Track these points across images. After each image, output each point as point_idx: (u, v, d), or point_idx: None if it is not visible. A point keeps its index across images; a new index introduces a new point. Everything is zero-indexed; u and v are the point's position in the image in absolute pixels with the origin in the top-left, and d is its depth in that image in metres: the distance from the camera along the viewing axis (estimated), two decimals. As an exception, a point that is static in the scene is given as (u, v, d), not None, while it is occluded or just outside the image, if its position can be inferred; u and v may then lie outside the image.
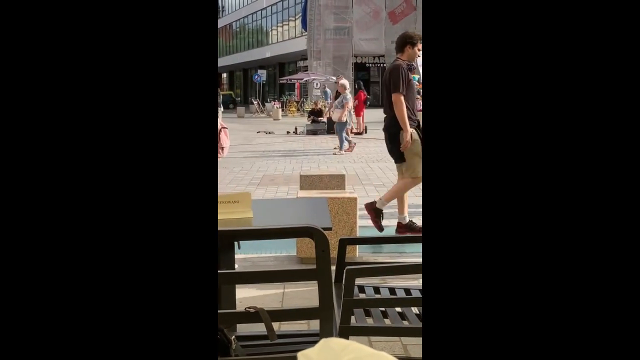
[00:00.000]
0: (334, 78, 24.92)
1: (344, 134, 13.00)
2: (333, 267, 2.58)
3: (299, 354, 0.60)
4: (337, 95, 13.96)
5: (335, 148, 13.07)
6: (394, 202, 5.20)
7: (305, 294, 3.44)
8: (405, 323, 2.29)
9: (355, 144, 13.19)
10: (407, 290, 2.53)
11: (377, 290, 2.52)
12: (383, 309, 2.36)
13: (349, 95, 13.07)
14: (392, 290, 2.51)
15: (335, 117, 12.92)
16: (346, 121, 12.82)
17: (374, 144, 14.85)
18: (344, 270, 2.17)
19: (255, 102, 33.80)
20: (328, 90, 21.82)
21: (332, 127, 18.62)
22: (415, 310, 2.36)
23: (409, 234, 5.05)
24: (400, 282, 3.72)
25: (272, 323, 1.89)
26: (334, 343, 0.61)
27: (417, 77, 22.52)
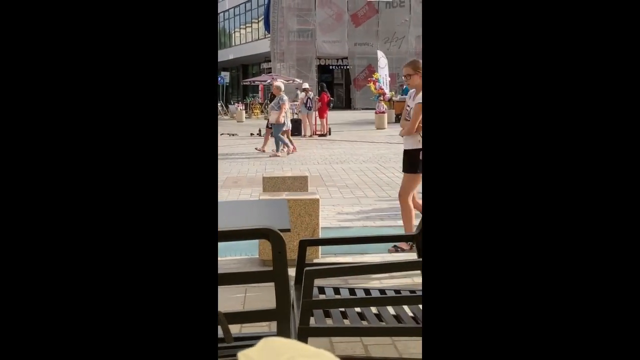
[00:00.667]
0: (298, 80, 24.94)
1: (284, 136, 12.99)
2: (294, 269, 2.58)
3: (239, 354, 0.60)
4: (272, 97, 13.81)
5: (256, 149, 13.05)
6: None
7: (268, 296, 3.42)
8: (365, 323, 2.29)
9: (295, 147, 13.21)
10: (367, 291, 2.53)
11: (337, 291, 2.52)
12: (343, 309, 2.36)
13: (284, 96, 12.97)
14: (351, 291, 2.51)
15: (272, 119, 12.77)
16: (284, 123, 12.73)
17: (338, 146, 14.89)
18: (303, 271, 2.16)
19: (218, 105, 33.61)
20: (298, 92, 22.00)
21: (296, 129, 18.63)
22: (374, 310, 2.37)
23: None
24: (363, 282, 3.74)
25: (232, 326, 1.88)
26: (274, 342, 0.60)
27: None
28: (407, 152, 4.78)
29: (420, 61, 4.88)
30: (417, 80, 4.72)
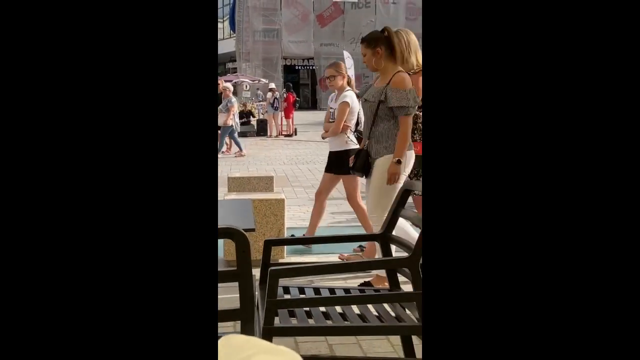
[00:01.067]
0: (264, 80, 24.85)
1: (236, 136, 12.99)
2: (259, 269, 2.57)
3: (199, 353, 0.60)
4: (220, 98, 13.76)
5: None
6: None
7: (233, 296, 3.40)
8: (330, 322, 2.30)
9: (229, 149, 13.21)
10: (332, 290, 2.54)
11: (302, 290, 2.52)
12: (307, 309, 2.36)
13: (233, 98, 12.92)
14: (316, 291, 2.52)
15: (220, 121, 12.69)
16: (232, 125, 12.70)
17: (304, 146, 14.90)
18: (268, 271, 2.16)
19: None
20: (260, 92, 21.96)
21: (262, 129, 18.57)
22: (339, 309, 2.38)
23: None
24: (328, 282, 3.75)
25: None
26: (234, 339, 0.60)
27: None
28: (333, 154, 4.78)
29: (342, 63, 4.98)
30: (340, 81, 4.79)
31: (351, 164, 3.78)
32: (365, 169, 3.67)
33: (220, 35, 39.90)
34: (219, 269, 3.89)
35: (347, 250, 4.80)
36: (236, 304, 1.92)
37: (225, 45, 36.95)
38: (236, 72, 32.58)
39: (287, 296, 2.47)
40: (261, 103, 20.73)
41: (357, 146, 4.43)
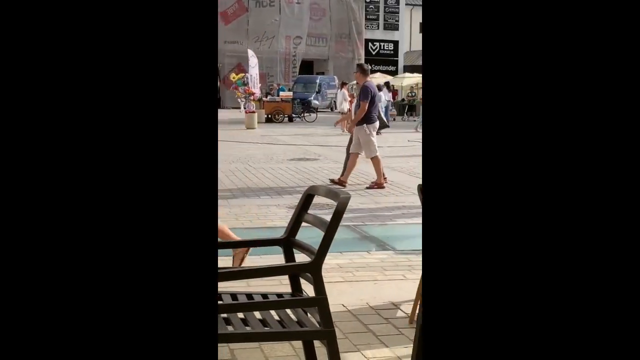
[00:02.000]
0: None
1: None
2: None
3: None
4: None
5: None
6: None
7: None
8: (231, 329, 2.28)
9: None
10: (234, 295, 2.52)
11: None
12: (242, 315, 2.34)
13: None
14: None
15: None
16: None
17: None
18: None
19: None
20: None
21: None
22: (240, 315, 2.36)
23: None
24: (228, 284, 3.70)
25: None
26: None
27: None
28: None
29: None
30: None
31: None
32: None
33: (119, 29, 38.66)
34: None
35: (252, 254, 4.77)
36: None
37: (125, 39, 35.80)
38: (137, 67, 31.62)
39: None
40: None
41: None
